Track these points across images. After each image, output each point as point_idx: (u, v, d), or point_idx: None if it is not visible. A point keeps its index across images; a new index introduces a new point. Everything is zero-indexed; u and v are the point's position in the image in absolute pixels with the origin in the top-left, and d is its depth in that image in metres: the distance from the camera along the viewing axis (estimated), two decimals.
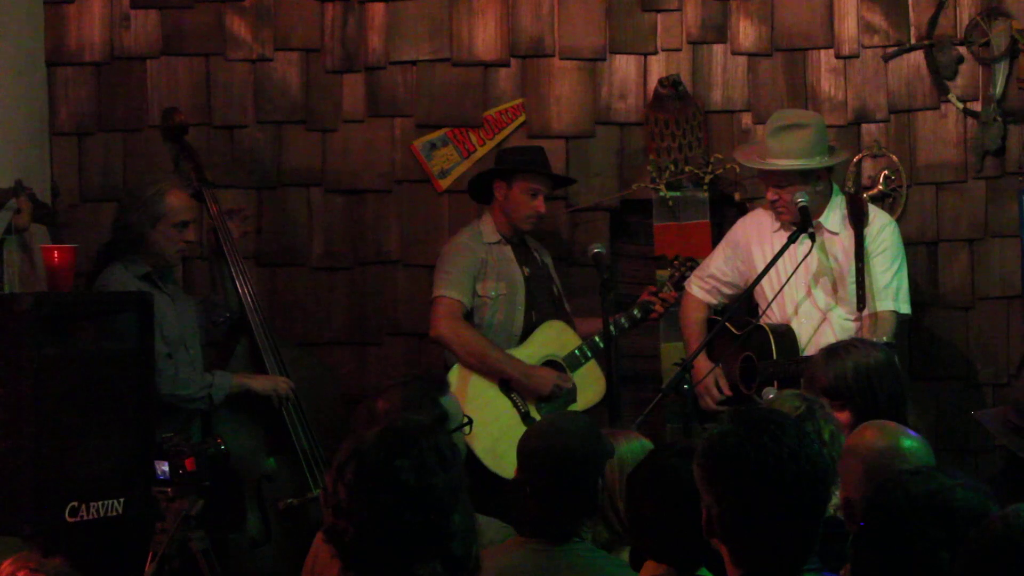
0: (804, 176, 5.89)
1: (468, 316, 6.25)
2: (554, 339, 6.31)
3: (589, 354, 6.26)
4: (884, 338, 5.42)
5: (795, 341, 5.87)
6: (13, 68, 6.43)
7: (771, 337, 5.85)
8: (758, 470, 2.83)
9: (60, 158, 6.77)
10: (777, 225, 6.01)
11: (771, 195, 5.95)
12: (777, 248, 5.89)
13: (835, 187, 6.06)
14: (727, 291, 6.17)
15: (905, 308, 5.93)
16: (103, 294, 5.67)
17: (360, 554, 3.01)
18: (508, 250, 6.34)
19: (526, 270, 6.35)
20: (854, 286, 5.79)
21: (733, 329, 6.00)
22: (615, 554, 4.01)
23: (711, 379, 6.03)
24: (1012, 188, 6.41)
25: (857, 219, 5.90)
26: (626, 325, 6.27)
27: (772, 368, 5.76)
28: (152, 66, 6.80)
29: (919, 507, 2.89)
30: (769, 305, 5.94)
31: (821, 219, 5.96)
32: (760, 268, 5.96)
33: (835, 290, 5.92)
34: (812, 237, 5.79)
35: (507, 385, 6.20)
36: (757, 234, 6.08)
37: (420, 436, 3.08)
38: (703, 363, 6.04)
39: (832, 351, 4.75)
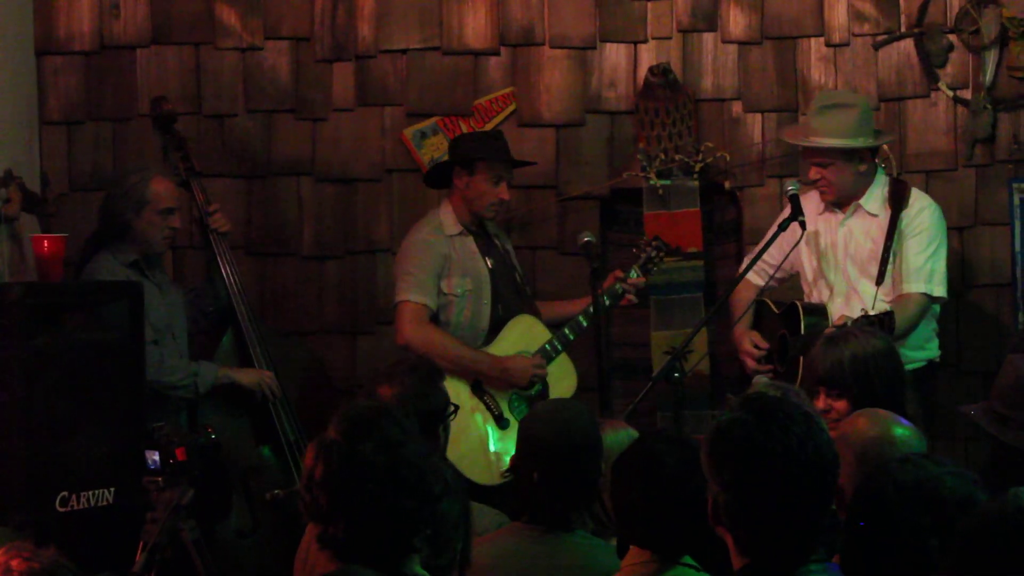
0: (847, 156, 5.89)
1: (434, 317, 6.09)
2: (524, 334, 6.15)
3: (560, 347, 6.12)
4: (886, 307, 5.44)
5: (827, 319, 5.85)
6: (2, 57, 6.42)
7: (802, 314, 5.86)
8: (767, 458, 2.81)
9: (49, 147, 6.76)
10: (823, 207, 6.03)
11: (814, 173, 5.96)
12: (822, 230, 5.98)
13: (879, 170, 6.06)
14: (777, 274, 6.16)
15: (939, 291, 5.92)
16: (93, 284, 5.67)
17: (357, 547, 3.02)
18: (470, 241, 6.16)
19: (489, 262, 6.18)
20: (890, 266, 5.82)
21: (774, 308, 6.05)
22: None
23: (747, 342, 6.01)
24: (1002, 176, 6.43)
25: (896, 201, 5.92)
26: (595, 313, 6.01)
27: (800, 344, 5.76)
28: (142, 55, 6.80)
29: (907, 495, 2.89)
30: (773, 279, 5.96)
31: (861, 201, 5.98)
32: (804, 251, 6.03)
33: (869, 270, 5.92)
34: (803, 225, 5.80)
35: (479, 387, 6.05)
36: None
37: (377, 416, 3.10)
38: (741, 331, 6.06)
39: (831, 339, 4.74)
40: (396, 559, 3.05)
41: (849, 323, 5.39)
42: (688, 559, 3.40)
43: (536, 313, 6.28)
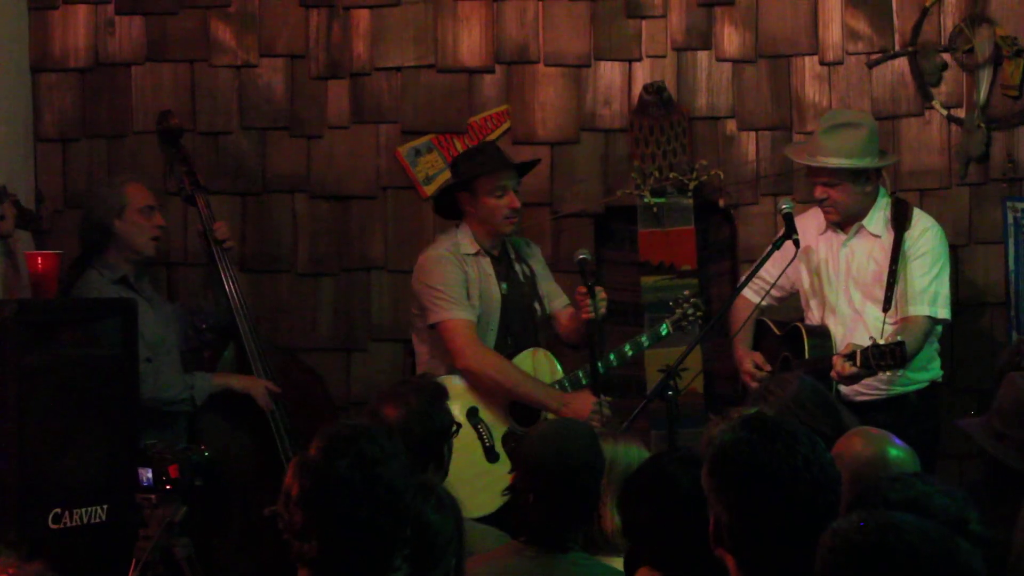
0: (854, 176, 5.88)
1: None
2: (535, 370, 5.95)
3: (569, 389, 5.90)
4: (899, 336, 5.45)
5: (830, 341, 5.85)
6: None
7: (805, 337, 5.86)
8: (772, 478, 2.79)
9: (44, 164, 6.77)
10: (824, 226, 6.03)
11: (819, 193, 5.94)
12: (823, 251, 5.98)
13: (882, 190, 6.03)
14: (775, 292, 6.12)
15: (943, 313, 5.89)
16: (87, 300, 5.67)
17: (332, 565, 3.02)
18: (487, 264, 5.99)
19: (504, 287, 6.02)
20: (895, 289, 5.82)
21: (776, 329, 6.04)
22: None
23: (749, 363, 5.98)
24: (996, 195, 6.44)
25: (899, 222, 5.92)
26: (616, 363, 5.96)
27: (804, 368, 5.73)
28: (137, 72, 6.81)
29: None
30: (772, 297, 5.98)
31: (864, 222, 5.96)
32: (804, 271, 6.03)
33: (873, 292, 5.91)
34: (796, 243, 5.78)
35: (475, 414, 5.84)
36: (803, 238, 6.06)
37: (356, 434, 3.10)
38: (743, 351, 6.04)
39: (755, 393, 4.60)
40: None
41: (858, 352, 5.41)
42: None
43: (539, 342, 6.10)
